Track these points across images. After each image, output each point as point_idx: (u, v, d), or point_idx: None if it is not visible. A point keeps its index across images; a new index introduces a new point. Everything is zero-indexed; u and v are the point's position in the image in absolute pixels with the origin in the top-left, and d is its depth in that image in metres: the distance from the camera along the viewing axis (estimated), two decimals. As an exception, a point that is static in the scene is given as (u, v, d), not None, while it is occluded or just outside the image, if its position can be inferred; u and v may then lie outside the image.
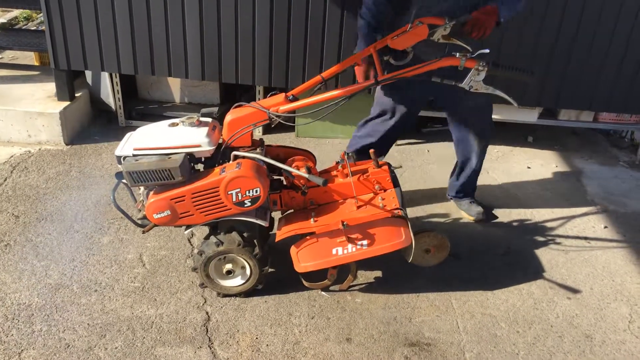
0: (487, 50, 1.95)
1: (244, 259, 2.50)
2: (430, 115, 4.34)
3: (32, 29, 5.67)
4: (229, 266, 2.53)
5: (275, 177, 2.56)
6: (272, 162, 2.38)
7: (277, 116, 2.37)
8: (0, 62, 5.07)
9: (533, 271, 2.92)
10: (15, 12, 6.32)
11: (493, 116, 3.14)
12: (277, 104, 2.39)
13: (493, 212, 3.41)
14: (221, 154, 2.44)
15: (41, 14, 4.45)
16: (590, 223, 3.40)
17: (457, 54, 1.98)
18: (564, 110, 4.21)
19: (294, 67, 3.91)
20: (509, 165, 4.05)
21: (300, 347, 2.38)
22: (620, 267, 3.00)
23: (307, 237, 2.43)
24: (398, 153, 4.17)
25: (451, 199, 3.45)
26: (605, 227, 3.37)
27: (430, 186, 3.72)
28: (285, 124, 2.50)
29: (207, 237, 2.52)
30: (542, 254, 3.08)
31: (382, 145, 3.18)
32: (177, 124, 2.45)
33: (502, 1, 2.57)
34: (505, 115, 4.15)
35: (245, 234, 2.46)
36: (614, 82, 3.85)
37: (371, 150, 2.57)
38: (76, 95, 4.18)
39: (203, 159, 2.45)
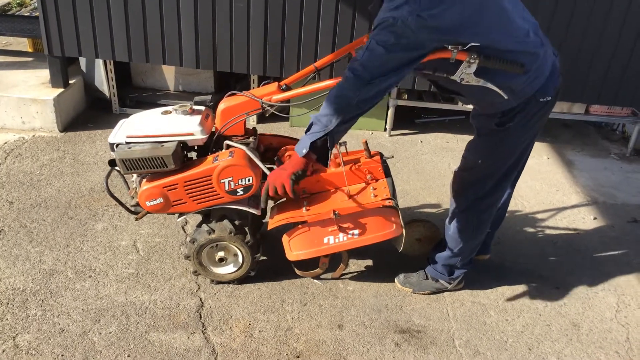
0: (479, 43, 1.96)
1: (236, 246, 2.52)
2: (424, 106, 4.36)
3: (26, 14, 5.63)
4: (221, 254, 2.56)
5: (268, 166, 2.57)
6: (257, 162, 2.36)
7: (269, 106, 2.38)
8: (-7, 48, 5.06)
9: (523, 260, 2.96)
10: (9, -2, 6.28)
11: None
12: (270, 94, 2.40)
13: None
14: (214, 143, 2.45)
15: (35, 0, 4.42)
16: (580, 214, 3.44)
17: (449, 46, 1.98)
18: (556, 102, 4.22)
19: (288, 56, 3.91)
20: (501, 156, 4.08)
21: (292, 333, 2.42)
22: (608, 257, 3.05)
23: (299, 226, 2.45)
24: (391, 143, 4.20)
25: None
26: (595, 218, 3.41)
27: (422, 177, 3.75)
28: (278, 114, 2.51)
29: (199, 225, 2.54)
30: (532, 244, 3.12)
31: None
32: (170, 112, 2.46)
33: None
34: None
35: (237, 222, 2.49)
36: (604, 74, 3.88)
37: (363, 140, 2.59)
38: (70, 82, 4.17)
39: (196, 147, 2.46)
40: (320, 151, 2.12)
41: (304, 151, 2.11)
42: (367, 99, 2.03)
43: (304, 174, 2.17)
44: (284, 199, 2.63)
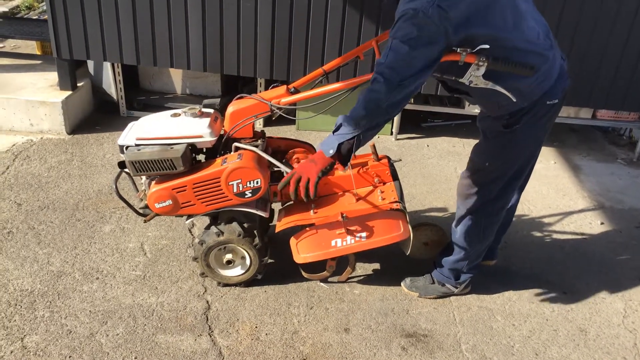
0: (488, 46, 1.96)
1: (244, 249, 2.53)
2: (430, 110, 4.36)
3: (34, 17, 5.67)
4: (229, 256, 2.56)
5: (276, 169, 2.58)
6: (269, 159, 2.40)
7: (278, 108, 2.39)
8: (2, 51, 5.09)
9: (529, 265, 2.96)
10: (17, 1, 6.32)
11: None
12: (279, 96, 2.40)
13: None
14: (223, 145, 2.46)
15: (43, 3, 4.46)
16: (587, 219, 3.43)
17: (458, 48, 1.99)
18: (563, 106, 4.21)
19: (295, 60, 3.93)
20: (507, 160, 4.07)
21: (299, 336, 2.41)
22: (615, 262, 3.04)
23: (307, 229, 2.46)
24: (397, 147, 4.20)
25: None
26: (602, 223, 3.40)
27: (428, 181, 3.75)
28: (286, 117, 2.52)
29: (207, 227, 2.55)
30: (539, 248, 3.11)
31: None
32: (179, 115, 2.47)
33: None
34: (505, 111, 4.17)
35: (245, 225, 2.49)
36: (612, 79, 3.88)
37: (371, 144, 2.59)
38: (78, 84, 4.19)
39: (205, 150, 2.47)
40: (344, 152, 2.12)
41: (331, 151, 2.11)
42: (396, 103, 2.03)
43: (331, 168, 2.17)
44: (291, 202, 2.64)
